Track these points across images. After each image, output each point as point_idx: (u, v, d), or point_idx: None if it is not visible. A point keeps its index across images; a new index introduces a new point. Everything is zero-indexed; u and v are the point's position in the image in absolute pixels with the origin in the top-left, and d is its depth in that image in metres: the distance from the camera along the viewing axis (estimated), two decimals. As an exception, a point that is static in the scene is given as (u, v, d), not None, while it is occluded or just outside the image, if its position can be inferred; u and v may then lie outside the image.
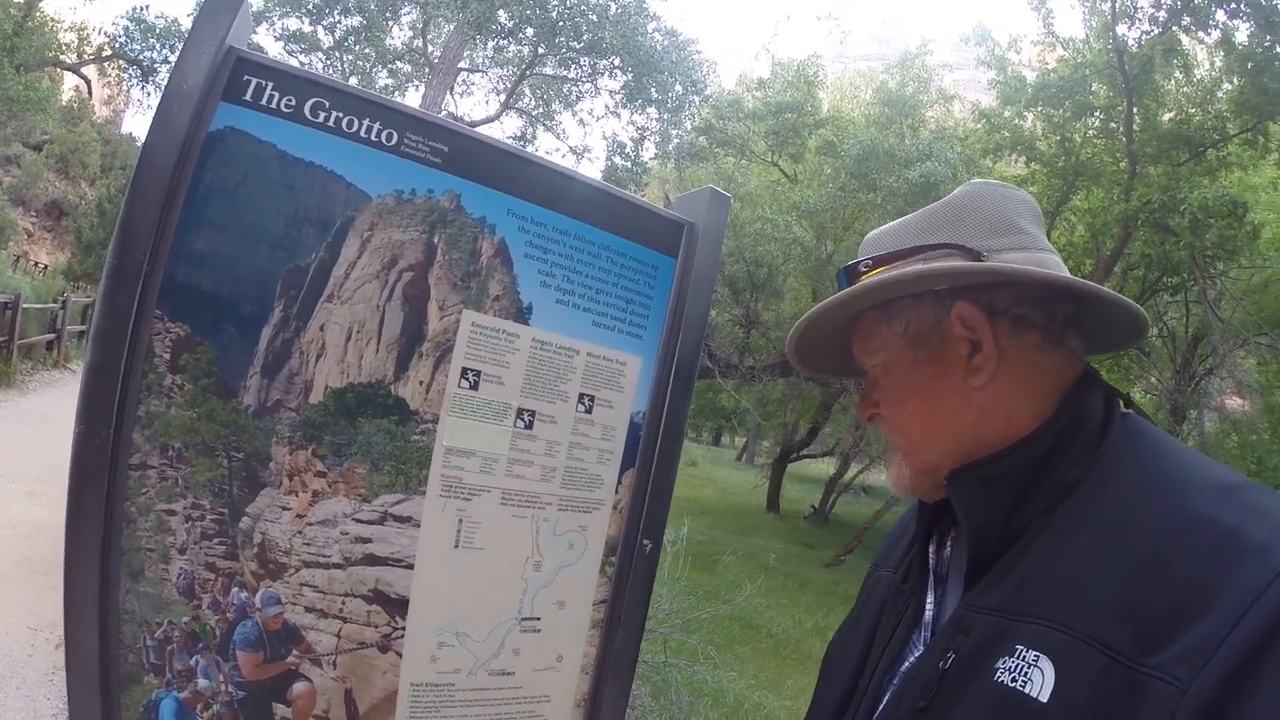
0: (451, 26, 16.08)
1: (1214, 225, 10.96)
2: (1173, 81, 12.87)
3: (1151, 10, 11.82)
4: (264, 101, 1.11)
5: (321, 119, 1.14)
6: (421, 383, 1.21)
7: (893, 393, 0.96)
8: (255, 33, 27.73)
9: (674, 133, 15.16)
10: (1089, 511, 0.80)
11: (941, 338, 0.91)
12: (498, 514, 1.30)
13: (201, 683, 1.14)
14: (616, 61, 14.44)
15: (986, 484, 0.86)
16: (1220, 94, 12.56)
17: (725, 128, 15.74)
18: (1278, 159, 12.11)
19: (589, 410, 1.39)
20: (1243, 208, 11.19)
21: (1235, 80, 11.90)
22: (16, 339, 12.61)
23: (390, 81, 29.72)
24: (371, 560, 1.20)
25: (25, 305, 12.90)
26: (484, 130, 15.92)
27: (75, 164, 46.22)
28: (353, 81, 28.88)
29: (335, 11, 21.89)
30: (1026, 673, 0.73)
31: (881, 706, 0.91)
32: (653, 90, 14.27)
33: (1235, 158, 12.33)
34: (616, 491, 1.44)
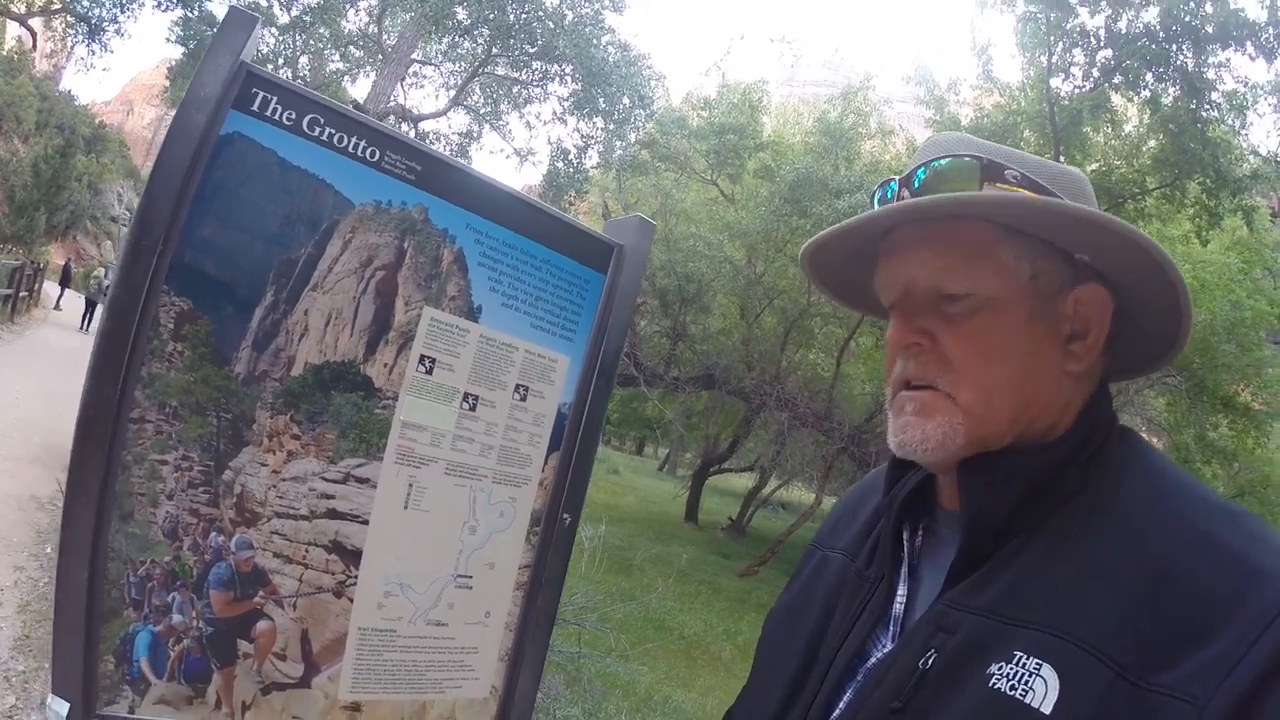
0: (408, 17, 16.11)
1: None
2: (1102, 134, 13.59)
3: (1085, 66, 12.45)
4: (268, 113, 1.30)
5: (316, 133, 1.33)
6: (386, 365, 1.41)
7: (991, 341, 0.84)
8: (210, 1, 27.31)
9: (617, 144, 15.38)
10: (1094, 519, 0.77)
11: (1056, 306, 0.85)
12: (442, 482, 1.51)
13: (176, 618, 1.30)
14: (568, 69, 14.63)
15: (1005, 478, 0.82)
16: (1145, 148, 13.29)
17: (669, 143, 16.11)
18: (1193, 214, 12.83)
19: (524, 399, 1.61)
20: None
21: (1159, 138, 12.59)
22: None
23: (341, 65, 29.42)
24: (333, 515, 1.39)
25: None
26: (431, 125, 16.00)
27: (9, 118, 44.70)
28: (303, 61, 28.53)
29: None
30: (1027, 681, 0.70)
31: (844, 704, 0.86)
32: (600, 100, 14.49)
33: (1154, 210, 13.05)
34: (543, 470, 1.65)
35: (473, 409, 1.53)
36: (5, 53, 28.45)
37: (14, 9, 26.83)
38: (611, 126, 15.00)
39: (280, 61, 30.72)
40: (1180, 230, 14.10)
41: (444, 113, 16.61)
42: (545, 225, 1.61)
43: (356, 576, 1.44)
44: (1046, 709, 0.68)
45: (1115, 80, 12.42)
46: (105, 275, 24.88)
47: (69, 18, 27.15)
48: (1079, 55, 12.44)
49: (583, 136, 15.53)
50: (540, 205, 1.64)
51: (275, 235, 1.30)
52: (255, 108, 1.29)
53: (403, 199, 1.40)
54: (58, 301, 25.68)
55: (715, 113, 16.45)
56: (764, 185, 14.89)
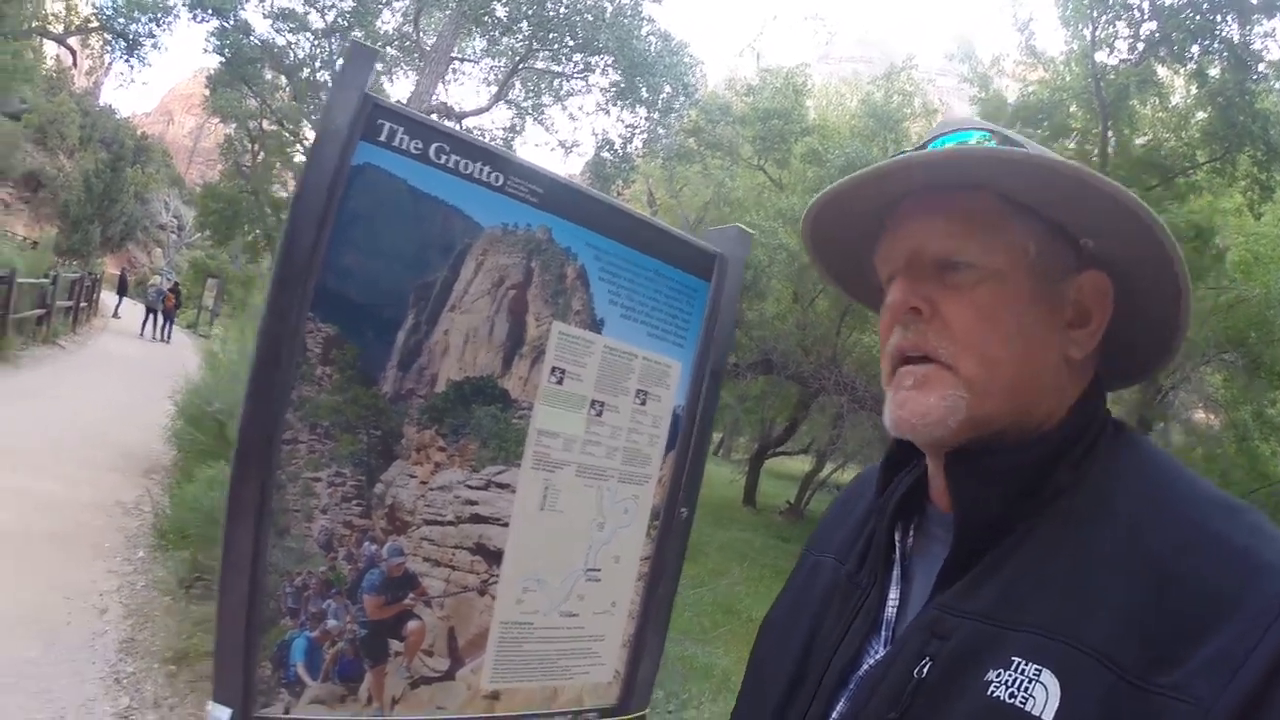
0: (445, 15, 16.29)
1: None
2: (1149, 108, 13.34)
3: (1130, 40, 12.29)
4: (395, 143, 1.37)
5: (443, 161, 1.40)
6: (521, 378, 1.49)
7: (993, 313, 0.82)
8: (244, 8, 27.75)
9: (661, 132, 15.44)
10: (1089, 516, 0.75)
11: (1058, 290, 0.83)
12: (574, 483, 1.60)
13: (331, 623, 1.39)
14: (609, 60, 14.70)
15: (995, 474, 0.80)
16: (1193, 121, 13.03)
17: (714, 130, 16.09)
18: (1244, 186, 12.59)
19: (643, 403, 1.69)
20: (1208, 233, 11.64)
21: (1207, 110, 12.33)
22: (11, 314, 12.66)
23: (379, 66, 29.69)
24: (477, 519, 1.48)
25: (19, 280, 12.93)
26: (474, 121, 16.16)
27: (54, 134, 45.84)
28: (339, 65, 28.77)
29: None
30: (1027, 688, 0.68)
31: (837, 714, 0.84)
32: (643, 90, 14.56)
33: (1205, 183, 12.80)
34: (660, 468, 1.74)
35: (599, 415, 1.62)
36: (44, 71, 29.29)
37: (52, 29, 27.60)
38: (655, 115, 15.06)
39: (317, 65, 31.21)
40: (1233, 204, 13.86)
41: (487, 109, 16.81)
42: (653, 238, 1.68)
43: (498, 575, 1.53)
44: (1048, 716, 0.67)
45: (1160, 53, 12.25)
46: (161, 282, 25.51)
47: (106, 35, 27.91)
48: (1123, 28, 12.25)
49: (626, 126, 15.63)
50: (648, 219, 1.72)
51: (412, 260, 1.38)
52: (383, 138, 1.36)
53: (527, 221, 1.48)
54: (116, 309, 26.50)
55: (759, 98, 16.36)
56: (812, 170, 14.84)
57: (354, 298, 1.35)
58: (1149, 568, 0.69)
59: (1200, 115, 12.97)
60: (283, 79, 32.20)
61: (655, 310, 1.68)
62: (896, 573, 0.88)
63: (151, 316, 23.00)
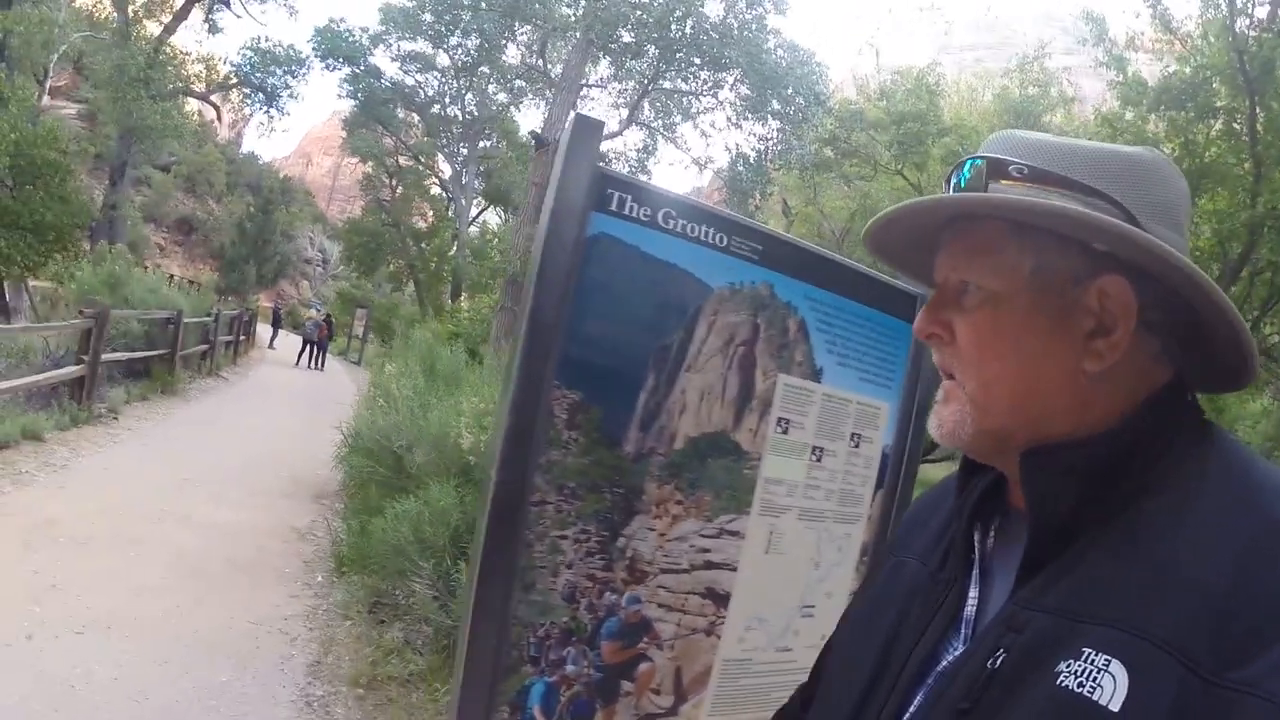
0: (570, 45, 16.74)
1: None
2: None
3: (1271, 5, 11.43)
4: (626, 211, 1.44)
5: (671, 225, 1.47)
6: (750, 430, 1.55)
7: (989, 333, 0.84)
8: (372, 54, 29.23)
9: (795, 143, 15.37)
10: (1168, 515, 0.74)
11: (1070, 301, 0.81)
12: (795, 526, 1.65)
13: (569, 668, 1.48)
14: (737, 75, 14.76)
15: (1065, 473, 0.79)
16: None
17: (850, 138, 15.89)
18: None
19: (857, 445, 1.73)
20: None
21: None
22: (179, 351, 13.62)
23: (505, 97, 30.67)
24: (708, 565, 1.55)
25: (185, 320, 13.91)
26: (608, 145, 16.43)
27: (202, 182, 49.53)
28: (468, 99, 29.61)
29: (455, 34, 22.89)
30: (1096, 678, 0.67)
31: (914, 708, 0.84)
32: (774, 102, 14.53)
33: None
34: (870, 507, 1.78)
35: (819, 460, 1.67)
36: (190, 126, 31.69)
37: (195, 88, 29.75)
38: (788, 127, 15.02)
39: (446, 100, 32.41)
40: None
41: (620, 132, 17.09)
42: (860, 284, 1.72)
43: (725, 616, 1.59)
44: (1115, 706, 0.65)
45: None
46: (316, 314, 26.98)
47: (245, 89, 29.90)
48: None
49: (759, 139, 15.63)
50: (854, 266, 1.76)
51: (650, 324, 1.46)
52: (614, 208, 1.44)
53: (751, 278, 1.54)
54: (271, 341, 28.15)
55: (892, 101, 16.08)
56: None
57: (596, 363, 1.43)
58: (1227, 566, 0.67)
59: None
60: (414, 116, 33.73)
61: (865, 355, 1.72)
62: (976, 572, 0.88)
63: (308, 347, 24.34)
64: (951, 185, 0.88)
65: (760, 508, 1.59)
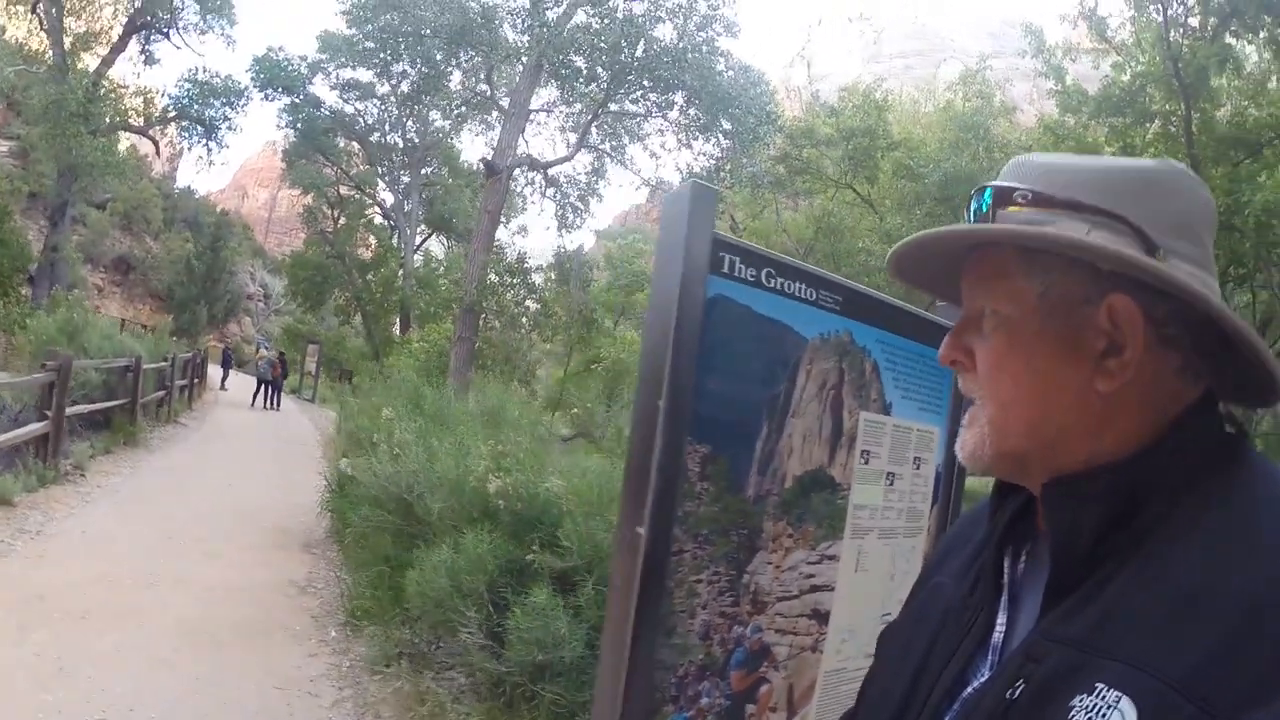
0: (518, 70, 16.89)
1: (1277, 225, 11.32)
2: (1225, 79, 13.15)
3: (1201, 16, 12.23)
4: (735, 273, 1.56)
5: (772, 284, 1.62)
6: (841, 464, 1.73)
7: (1003, 357, 0.86)
8: (311, 83, 28.98)
9: (745, 161, 15.65)
10: (1191, 544, 0.73)
11: (1080, 322, 0.82)
12: (876, 545, 1.85)
13: (704, 701, 1.60)
14: (686, 96, 14.99)
15: (1086, 499, 0.80)
16: (1270, 86, 12.85)
17: (801, 154, 16.24)
18: None
19: (918, 468, 1.94)
20: None
21: None
22: (140, 399, 13.26)
23: (447, 124, 30.58)
24: (813, 589, 1.72)
25: (144, 366, 13.60)
26: (560, 170, 16.55)
27: (138, 220, 48.21)
28: (409, 126, 29.38)
29: (401, 61, 22.83)
30: (1105, 714, 0.68)
31: None
32: (724, 123, 14.80)
33: None
34: (928, 520, 1.99)
35: (891, 484, 1.87)
36: (123, 159, 30.89)
37: (133, 123, 29.19)
38: (740, 146, 15.27)
39: (386, 129, 32.20)
40: None
41: (570, 157, 17.24)
42: (915, 325, 1.92)
43: (825, 633, 1.77)
44: None
45: (1233, 26, 12.17)
46: (268, 353, 26.57)
47: (183, 122, 29.41)
48: (1194, 6, 12.16)
49: (710, 159, 15.86)
50: (909, 309, 1.94)
51: (761, 376, 1.62)
52: (725, 270, 1.55)
53: (835, 328, 1.72)
54: (223, 382, 27.49)
55: (842, 118, 16.44)
56: (905, 186, 14.90)
57: (722, 417, 1.56)
58: (1246, 601, 0.67)
59: (1275, 81, 12.93)
60: (355, 145, 33.51)
61: (921, 387, 1.93)
62: (1005, 597, 0.89)
63: (262, 387, 23.96)
64: (971, 213, 0.90)
65: (850, 532, 1.77)
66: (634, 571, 1.42)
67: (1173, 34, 12.42)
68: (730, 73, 14.48)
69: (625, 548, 1.45)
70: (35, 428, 8.91)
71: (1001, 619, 0.88)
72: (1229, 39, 12.44)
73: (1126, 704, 0.66)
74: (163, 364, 15.89)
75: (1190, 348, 0.81)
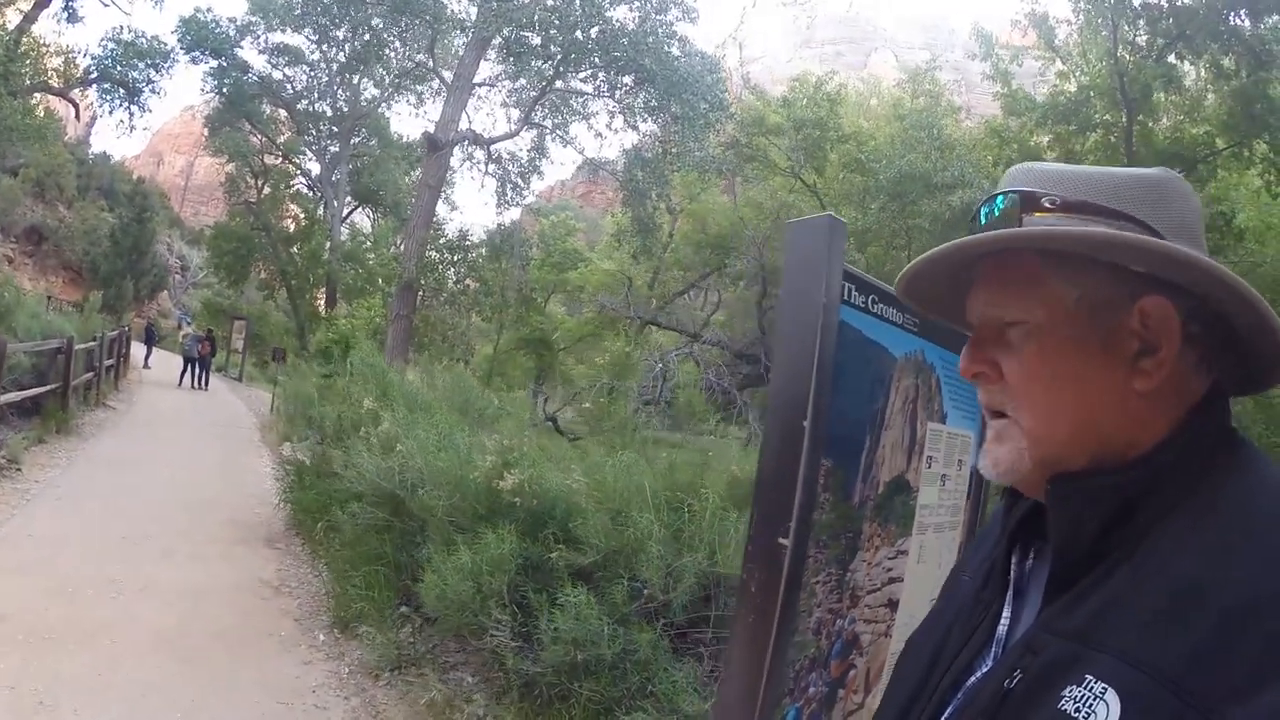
0: (460, 43, 16.64)
1: (1212, 236, 12.26)
2: (1165, 95, 14.11)
3: (1149, 36, 13.01)
4: (851, 300, 1.71)
5: (877, 310, 1.79)
6: (915, 469, 1.96)
7: (1039, 366, 0.85)
8: (239, 47, 27.94)
9: (693, 145, 15.70)
10: (1187, 542, 0.75)
11: (1114, 325, 0.83)
12: (933, 538, 2.08)
13: (810, 690, 1.78)
14: (634, 78, 14.96)
15: (1092, 499, 0.81)
16: (1205, 103, 13.95)
17: (751, 142, 16.42)
18: (1261, 170, 13.56)
19: (960, 468, 2.18)
20: (1228, 219, 12.38)
21: (1224, 101, 13.23)
22: (71, 383, 12.46)
23: (377, 93, 29.69)
24: (890, 581, 1.94)
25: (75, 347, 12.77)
26: (502, 146, 16.36)
27: (51, 187, 45.57)
28: (340, 95, 28.43)
29: (342, 28, 22.07)
30: (1091, 704, 0.69)
31: (944, 718, 0.89)
32: (674, 106, 14.83)
33: (1225, 166, 13.82)
34: (964, 513, 2.23)
35: (944, 485, 2.10)
36: (44, 122, 29.06)
37: (52, 83, 27.71)
38: (689, 130, 15.30)
39: (314, 96, 31.26)
40: (1250, 185, 14.65)
41: (516, 133, 17.08)
42: (961, 339, 2.11)
43: (894, 619, 1.99)
44: None
45: (1179, 48, 12.93)
46: (193, 330, 25.72)
47: (105, 84, 27.99)
48: (1142, 26, 12.88)
49: (659, 141, 15.87)
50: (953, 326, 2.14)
51: (868, 394, 1.81)
52: (845, 297, 1.69)
53: (914, 347, 1.93)
54: (146, 360, 26.31)
55: (794, 109, 16.64)
56: (856, 179, 15.20)
57: (840, 434, 1.72)
58: (1238, 599, 0.68)
59: (1211, 97, 13.87)
60: (281, 112, 32.49)
61: (959, 395, 2.14)
62: (1010, 592, 0.91)
63: (189, 365, 23.23)
64: (983, 219, 0.90)
65: (917, 529, 2.00)
66: (777, 579, 1.54)
67: (1120, 51, 13.12)
68: (686, 59, 14.58)
69: (764, 557, 1.57)
70: (-33, 419, 7.96)
71: (1007, 613, 0.90)
72: (1172, 59, 13.20)
73: (1111, 696, 0.69)
74: (91, 344, 14.86)
75: (1206, 342, 0.84)
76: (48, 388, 11.74)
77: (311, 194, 35.72)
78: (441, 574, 4.13)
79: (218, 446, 13.36)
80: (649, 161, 16.53)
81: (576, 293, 23.97)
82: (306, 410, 11.80)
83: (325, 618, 5.69)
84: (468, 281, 18.99)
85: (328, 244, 31.64)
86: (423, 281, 17.52)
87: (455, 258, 18.39)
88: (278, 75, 30.37)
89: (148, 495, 8.78)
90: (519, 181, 18.59)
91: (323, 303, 32.22)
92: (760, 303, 14.52)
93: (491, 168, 18.49)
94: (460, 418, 6.79)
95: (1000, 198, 0.89)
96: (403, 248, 18.96)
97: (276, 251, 32.16)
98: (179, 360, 24.12)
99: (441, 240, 18.73)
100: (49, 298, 21.23)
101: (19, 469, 8.85)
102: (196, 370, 23.09)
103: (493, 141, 17.57)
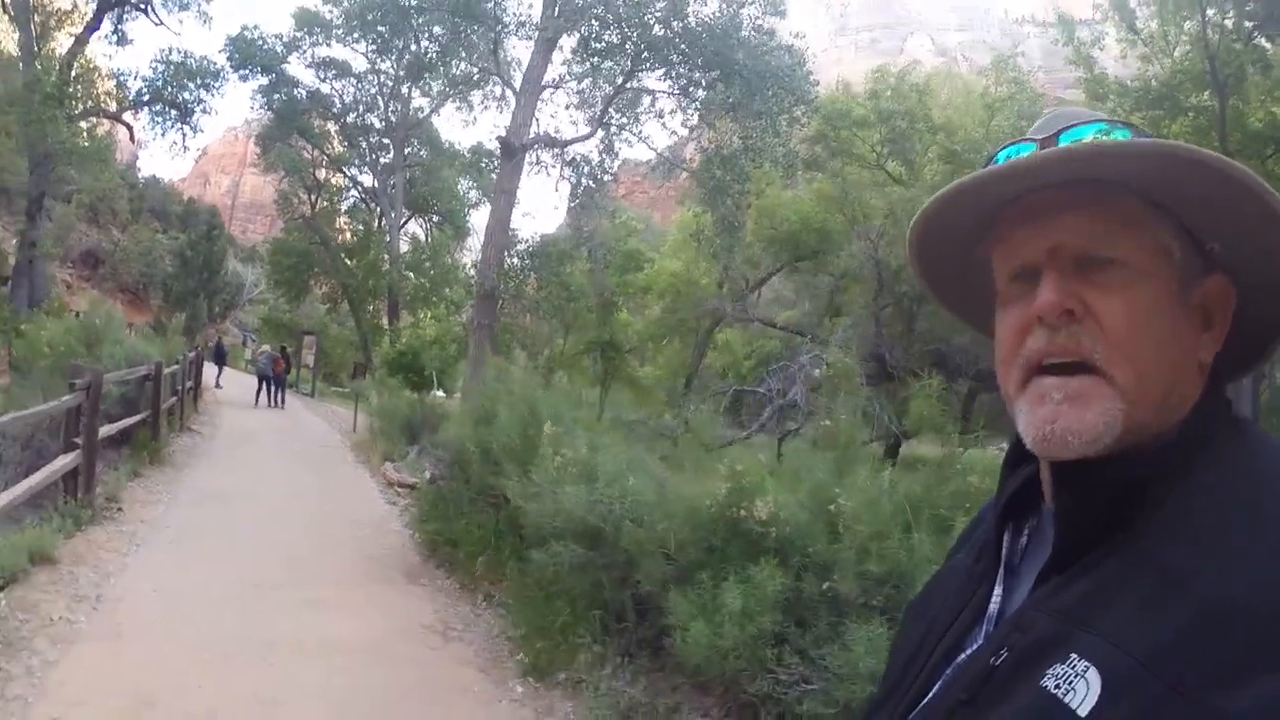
0: (525, 46, 16.32)
1: None
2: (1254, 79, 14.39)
3: (1236, 19, 13.25)
4: None
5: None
6: None
7: (1143, 315, 0.77)
8: (287, 62, 27.85)
9: (774, 141, 15.23)
10: (1182, 527, 0.72)
11: (1194, 290, 0.79)
12: None
13: None
14: (718, 74, 14.54)
15: (1101, 479, 0.77)
16: None
17: (837, 135, 16.08)
18: None
19: None
20: None
21: None
22: (162, 410, 12.03)
23: (428, 102, 29.61)
24: None
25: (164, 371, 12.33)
26: (579, 148, 16.01)
27: (105, 211, 46.38)
28: (391, 106, 28.53)
29: (406, 37, 21.91)
30: (1072, 682, 0.67)
31: (932, 694, 0.86)
32: (758, 102, 14.37)
33: None
34: None
35: None
36: (102, 145, 29.01)
37: (105, 106, 27.80)
38: (770, 126, 14.90)
39: (362, 109, 31.06)
40: None
41: (591, 134, 16.71)
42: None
43: None
44: (1083, 711, 0.66)
45: (1268, 31, 13.22)
46: (268, 348, 25.63)
47: (157, 105, 27.99)
48: (1230, 9, 13.04)
49: (741, 139, 15.45)
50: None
51: None
52: None
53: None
54: (217, 380, 25.89)
55: (880, 101, 16.51)
56: (945, 169, 15.07)
57: None
58: (1230, 585, 0.65)
59: None
60: (331, 126, 32.35)
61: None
62: (1003, 569, 0.88)
63: (264, 384, 22.99)
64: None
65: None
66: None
67: (1209, 34, 13.23)
68: (780, 53, 14.12)
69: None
70: (66, 461, 7.26)
71: (998, 590, 0.88)
72: (1263, 41, 13.33)
73: (1093, 674, 0.67)
74: (174, 367, 14.41)
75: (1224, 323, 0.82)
76: (139, 417, 11.12)
77: (366, 206, 35.51)
78: (710, 621, 3.69)
79: (314, 469, 12.96)
80: (728, 159, 16.01)
81: (641, 294, 23.51)
82: (404, 427, 11.30)
83: (513, 665, 5.10)
84: (549, 288, 18.56)
85: (385, 255, 31.21)
86: (503, 289, 17.11)
87: (537, 263, 17.99)
88: (325, 89, 30.25)
89: (262, 531, 8.12)
90: (591, 184, 18.03)
91: (385, 315, 31.96)
92: (876, 299, 13.90)
93: (566, 171, 17.98)
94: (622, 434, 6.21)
95: (1088, 127, 0.79)
96: (480, 255, 18.60)
97: (336, 264, 31.87)
98: (247, 378, 23.90)
99: (521, 246, 18.34)
100: (130, 325, 20.88)
101: (120, 509, 8.09)
102: (271, 389, 22.88)
103: (568, 144, 17.11)
